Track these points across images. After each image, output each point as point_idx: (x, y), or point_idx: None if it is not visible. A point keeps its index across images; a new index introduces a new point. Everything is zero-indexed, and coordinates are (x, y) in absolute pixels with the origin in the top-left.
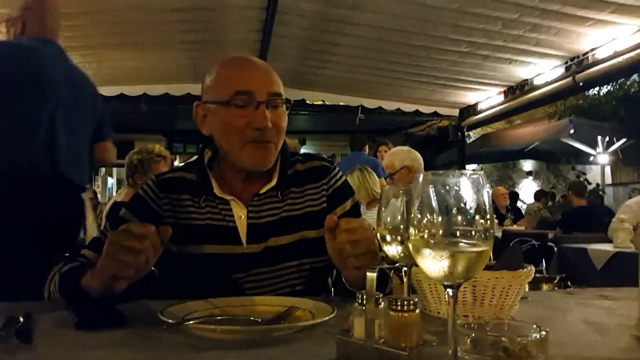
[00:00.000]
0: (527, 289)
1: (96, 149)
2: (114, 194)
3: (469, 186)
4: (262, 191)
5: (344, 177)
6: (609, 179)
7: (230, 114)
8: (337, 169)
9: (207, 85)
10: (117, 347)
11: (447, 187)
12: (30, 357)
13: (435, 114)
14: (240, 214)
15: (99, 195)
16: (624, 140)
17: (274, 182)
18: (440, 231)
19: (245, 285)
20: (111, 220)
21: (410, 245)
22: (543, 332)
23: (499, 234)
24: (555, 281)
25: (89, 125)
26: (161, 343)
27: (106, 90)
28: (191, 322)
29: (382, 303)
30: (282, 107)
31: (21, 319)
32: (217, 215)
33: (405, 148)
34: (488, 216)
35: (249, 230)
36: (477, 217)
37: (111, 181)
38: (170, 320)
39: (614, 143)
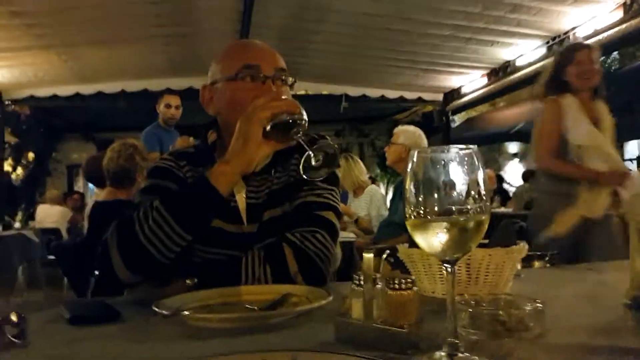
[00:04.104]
0: (519, 267)
1: None
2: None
3: (463, 161)
4: (256, 170)
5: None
6: None
7: (238, 88)
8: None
9: (214, 68)
10: (113, 340)
11: (442, 163)
12: (27, 353)
13: (419, 99)
14: (241, 193)
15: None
16: None
17: (268, 160)
18: (436, 207)
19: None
20: (143, 190)
21: (407, 223)
22: (538, 305)
23: None
24: (547, 258)
25: None
26: (157, 335)
27: (84, 89)
28: (186, 312)
29: (379, 283)
30: (288, 85)
31: (14, 318)
32: None
33: (417, 130)
34: (482, 190)
35: (248, 210)
36: (472, 191)
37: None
38: (165, 312)
39: None
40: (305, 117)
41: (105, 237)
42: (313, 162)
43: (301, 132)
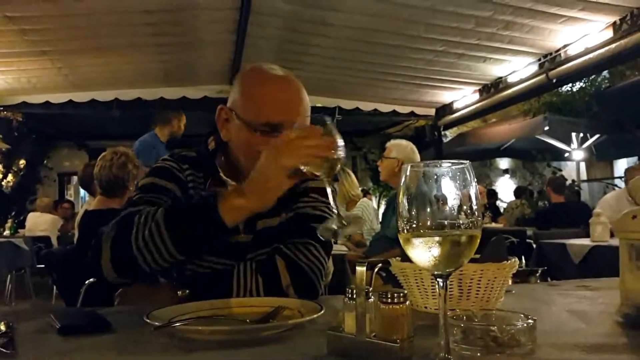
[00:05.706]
0: (510, 283)
1: None
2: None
3: (455, 176)
4: None
5: None
6: (584, 175)
7: (255, 140)
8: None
9: (236, 96)
10: (104, 351)
11: (434, 178)
12: None
13: (412, 113)
14: None
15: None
16: (597, 136)
17: None
18: (429, 221)
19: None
20: (141, 187)
21: (400, 236)
22: (530, 321)
23: None
24: (538, 274)
25: None
26: (148, 346)
27: (77, 96)
28: (178, 323)
29: (372, 297)
30: None
31: (2, 327)
32: None
33: (410, 145)
34: (475, 205)
35: (245, 221)
36: (464, 206)
37: (84, 190)
38: (156, 323)
39: (587, 139)
40: (342, 155)
41: (101, 230)
42: (335, 226)
43: (336, 171)
